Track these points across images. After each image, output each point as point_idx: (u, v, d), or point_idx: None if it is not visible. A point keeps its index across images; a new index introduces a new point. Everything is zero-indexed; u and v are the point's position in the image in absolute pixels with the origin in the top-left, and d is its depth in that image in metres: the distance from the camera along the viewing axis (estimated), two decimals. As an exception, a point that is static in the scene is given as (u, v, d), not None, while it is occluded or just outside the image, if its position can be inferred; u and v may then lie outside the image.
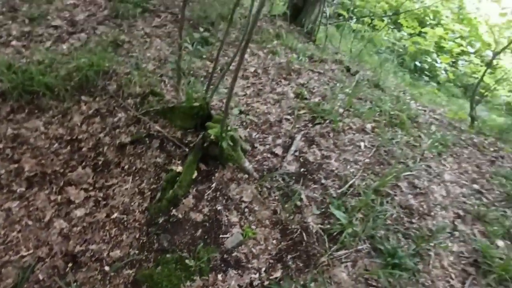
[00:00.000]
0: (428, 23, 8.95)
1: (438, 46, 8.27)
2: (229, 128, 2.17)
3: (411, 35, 8.21)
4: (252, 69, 3.41)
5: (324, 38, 6.07)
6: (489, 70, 6.44)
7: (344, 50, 7.32)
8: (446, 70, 7.58)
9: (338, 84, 3.61)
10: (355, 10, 9.24)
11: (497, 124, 5.96)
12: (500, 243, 2.22)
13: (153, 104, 2.65)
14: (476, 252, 2.08)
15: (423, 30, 8.21)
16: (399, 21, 8.37)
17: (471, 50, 8.01)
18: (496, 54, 5.41)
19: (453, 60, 8.18)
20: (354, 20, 8.64)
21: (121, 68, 2.98)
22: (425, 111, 5.35)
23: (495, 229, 2.28)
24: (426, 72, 7.53)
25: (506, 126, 5.79)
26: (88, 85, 2.84)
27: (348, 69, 4.39)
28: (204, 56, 3.45)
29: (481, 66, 7.51)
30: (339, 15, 8.89)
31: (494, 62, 6.79)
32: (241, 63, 2.27)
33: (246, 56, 3.60)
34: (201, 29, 3.91)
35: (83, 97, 2.77)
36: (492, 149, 4.27)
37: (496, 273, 1.93)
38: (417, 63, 7.61)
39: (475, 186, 2.86)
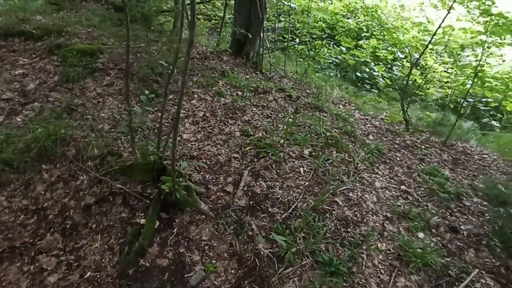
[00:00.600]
0: (363, 35, 9.87)
1: (374, 56, 9.15)
2: (180, 179, 2.50)
3: (349, 49, 9.04)
4: (201, 114, 3.78)
5: (269, 66, 6.63)
6: (419, 72, 7.27)
7: (291, 71, 7.96)
8: (383, 77, 8.41)
9: (280, 115, 4.07)
10: (297, 32, 10.01)
11: (431, 120, 6.75)
12: (421, 235, 2.69)
13: (112, 164, 2.92)
14: (400, 247, 2.52)
15: (359, 43, 9.07)
16: (336, 37, 9.17)
17: (401, 55, 8.95)
18: (416, 60, 6.20)
19: (389, 66, 9.07)
20: (297, 41, 9.38)
21: (77, 132, 3.23)
22: (367, 119, 5.99)
23: (415, 223, 2.75)
24: (367, 81, 8.30)
25: (437, 120, 6.59)
26: (47, 154, 3.06)
27: (290, 96, 4.89)
28: (155, 108, 3.77)
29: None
30: (284, 37, 9.61)
31: (423, 63, 7.69)
32: (179, 112, 2.62)
33: (195, 101, 3.97)
34: (151, 82, 4.25)
35: (43, 166, 2.99)
36: (423, 147, 4.91)
37: (415, 262, 2.37)
38: (358, 74, 8.37)
39: (403, 187, 3.37)
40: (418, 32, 9.65)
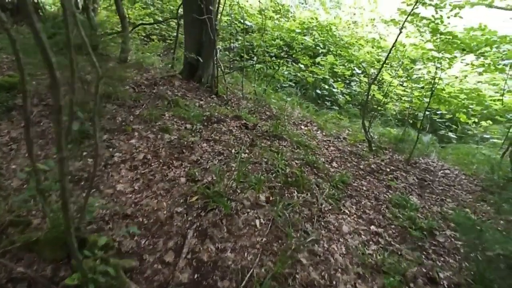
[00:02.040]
0: (320, 51, 9.74)
1: (332, 72, 9.01)
2: (97, 262, 1.89)
3: (307, 66, 8.82)
4: (141, 156, 3.18)
5: (226, 88, 6.15)
6: (376, 87, 7.14)
7: (249, 91, 7.55)
8: (342, 94, 8.25)
9: (233, 150, 3.56)
10: (255, 50, 9.68)
11: (392, 136, 6.59)
12: (398, 293, 2.27)
13: (14, 238, 2.23)
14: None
15: (316, 60, 8.89)
16: (294, 55, 8.92)
17: (358, 71, 8.90)
18: (374, 78, 6.01)
19: (348, 82, 8.97)
20: (255, 60, 9.03)
21: (-25, 195, 2.50)
22: (329, 141, 5.66)
23: (391, 280, 2.33)
24: (327, 98, 8.09)
25: (399, 137, 6.44)
26: None
27: (246, 125, 4.42)
28: (85, 153, 3.12)
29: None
30: (241, 57, 9.23)
31: (379, 77, 7.59)
32: (93, 178, 2.03)
33: (135, 141, 3.36)
34: (81, 117, 3.59)
35: None
36: (388, 169, 4.62)
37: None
38: (317, 91, 8.14)
39: (373, 228, 2.98)
40: (372, 47, 9.73)
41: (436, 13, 4.71)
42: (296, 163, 3.74)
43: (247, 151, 3.60)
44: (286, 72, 8.78)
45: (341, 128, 6.87)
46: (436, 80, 5.20)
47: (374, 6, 11.66)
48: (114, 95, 4.17)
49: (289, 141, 4.41)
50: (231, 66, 9.18)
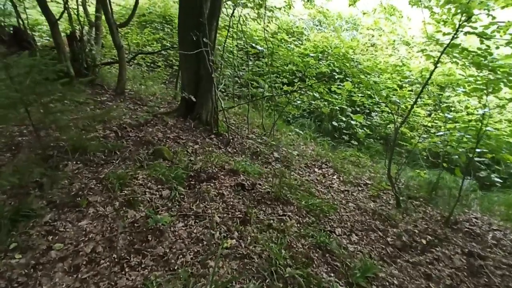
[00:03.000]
0: (336, 77, 8.81)
1: (350, 101, 8.03)
2: None
3: (322, 93, 7.89)
4: (89, 248, 2.32)
5: (227, 127, 5.31)
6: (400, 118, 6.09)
7: (257, 124, 6.69)
8: (362, 126, 7.23)
9: (217, 235, 2.64)
10: (265, 77, 8.87)
11: (423, 183, 5.48)
12: None
13: None
14: None
15: (332, 87, 7.96)
16: (308, 83, 8.03)
17: (378, 100, 7.88)
18: (405, 118, 5.00)
19: (367, 111, 7.95)
20: (264, 90, 8.20)
21: None
22: (347, 192, 4.65)
23: None
24: (345, 131, 7.09)
25: (431, 182, 5.32)
26: None
27: (242, 186, 3.50)
28: (14, 245, 2.29)
29: (391, 113, 7.31)
30: (249, 86, 8.43)
31: (403, 106, 6.54)
32: None
33: (86, 222, 2.52)
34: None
35: None
36: (424, 241, 3.56)
37: None
38: (334, 123, 7.17)
39: None
40: (391, 74, 8.71)
41: (482, 43, 3.71)
42: (303, 247, 2.77)
43: (236, 233, 2.67)
44: (299, 102, 7.88)
45: (361, 170, 5.83)
46: (484, 121, 4.12)
47: (394, 27, 10.66)
48: (81, 149, 3.39)
49: (296, 206, 3.44)
50: (239, 96, 8.41)
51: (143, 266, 2.25)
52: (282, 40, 10.09)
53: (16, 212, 2.42)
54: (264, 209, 3.21)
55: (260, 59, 9.34)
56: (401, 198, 4.47)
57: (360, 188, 4.96)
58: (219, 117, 5.47)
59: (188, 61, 5.01)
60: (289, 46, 9.82)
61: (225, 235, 2.59)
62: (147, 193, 2.91)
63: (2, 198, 2.67)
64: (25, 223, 2.44)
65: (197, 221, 2.72)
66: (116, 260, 2.27)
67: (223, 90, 7.23)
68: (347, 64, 6.34)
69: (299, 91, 6.76)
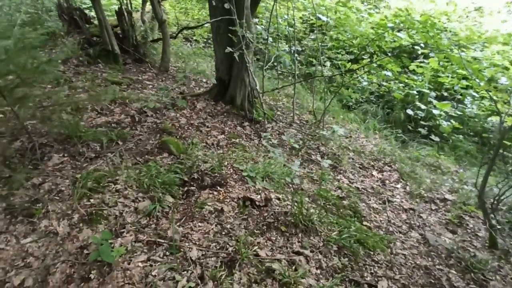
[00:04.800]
0: (420, 52, 6.89)
1: (435, 83, 6.15)
2: None
3: (399, 73, 6.21)
4: (18, 280, 1.75)
5: (263, 115, 4.35)
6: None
7: (310, 109, 5.53)
8: (449, 117, 5.42)
9: (187, 284, 1.79)
10: (330, 51, 7.45)
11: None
12: None
13: None
14: None
15: (411, 66, 6.20)
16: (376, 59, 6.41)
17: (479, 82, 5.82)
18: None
19: (459, 97, 5.99)
20: (327, 66, 6.86)
21: None
22: (413, 212, 3.33)
23: None
24: (423, 123, 5.42)
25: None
26: None
27: (251, 202, 2.55)
28: None
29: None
30: (310, 62, 7.18)
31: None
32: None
33: (28, 240, 1.95)
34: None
35: None
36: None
37: None
38: (409, 111, 5.54)
39: None
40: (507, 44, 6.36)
41: None
42: None
43: (211, 283, 1.79)
44: (365, 83, 6.35)
45: (440, 178, 4.28)
46: None
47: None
48: (76, 138, 2.88)
49: (324, 237, 2.37)
50: (295, 75, 7.23)
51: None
52: (354, 9, 8.34)
53: None
54: (272, 239, 2.25)
55: (324, 32, 7.88)
56: (499, 233, 2.96)
57: (434, 207, 3.54)
58: (257, 101, 4.53)
59: (220, 34, 4.12)
60: (362, 16, 8.06)
61: (192, 286, 1.74)
62: (119, 204, 2.22)
63: (-30, 194, 2.29)
64: None
65: (166, 255, 1.93)
66: (40, 304, 1.64)
67: (278, 69, 6.16)
68: (431, 35, 4.58)
69: (361, 70, 5.30)
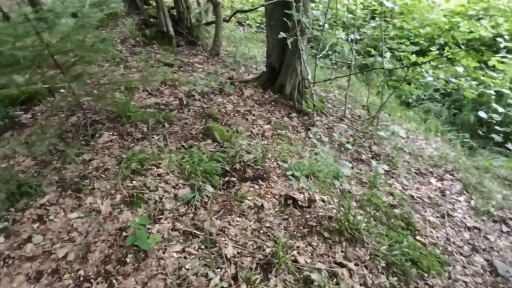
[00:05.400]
0: (502, 46, 6.00)
1: (518, 82, 5.30)
2: None
3: (475, 68, 5.49)
4: (62, 253, 1.81)
5: (313, 107, 4.10)
6: None
7: (363, 104, 5.12)
8: (532, 124, 4.65)
9: (220, 283, 1.70)
10: (392, 41, 6.82)
11: None
12: None
13: None
14: None
15: (490, 62, 5.42)
16: (447, 52, 5.73)
17: None
18: None
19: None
20: (387, 57, 6.28)
21: None
22: (479, 231, 2.91)
23: None
24: (498, 127, 4.73)
25: None
26: None
27: (293, 201, 2.37)
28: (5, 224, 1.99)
29: None
30: (367, 52, 6.66)
31: None
32: None
33: (73, 216, 2.01)
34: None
35: None
36: None
37: None
38: (481, 113, 4.87)
39: None
40: None
41: None
42: None
43: (244, 286, 1.68)
44: (430, 78, 5.68)
45: (514, 193, 3.69)
46: None
47: None
48: (125, 117, 2.94)
49: (371, 250, 2.13)
50: (351, 65, 6.74)
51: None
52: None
53: (18, 187, 2.11)
54: (313, 245, 2.07)
55: (387, 19, 7.20)
56: None
57: (505, 228, 3.06)
58: (307, 92, 4.27)
59: (274, 18, 3.90)
60: (433, 1, 7.20)
61: (225, 286, 1.64)
62: (159, 189, 2.20)
63: (30, 164, 2.45)
64: (27, 199, 2.11)
65: (201, 248, 1.86)
66: (78, 280, 1.68)
67: (332, 59, 5.79)
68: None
69: (428, 63, 4.72)
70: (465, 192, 3.58)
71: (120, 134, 2.79)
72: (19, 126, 2.88)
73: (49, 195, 2.13)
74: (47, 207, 2.06)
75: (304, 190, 2.47)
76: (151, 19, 5.84)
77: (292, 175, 2.11)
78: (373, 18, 7.82)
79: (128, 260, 1.74)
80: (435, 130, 4.75)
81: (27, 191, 2.11)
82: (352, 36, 5.05)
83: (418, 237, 2.60)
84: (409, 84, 5.76)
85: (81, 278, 1.69)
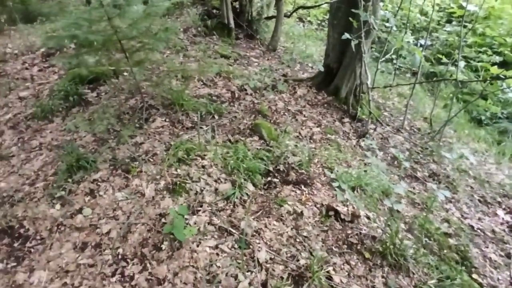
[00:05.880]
0: None
1: None
2: None
3: None
4: (106, 228, 1.91)
5: (368, 114, 3.85)
6: None
7: (425, 115, 4.68)
8: None
9: None
10: (470, 49, 6.15)
11: None
12: None
13: None
14: None
15: None
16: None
17: None
18: None
19: None
20: (462, 66, 5.68)
21: None
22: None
23: None
24: None
25: None
26: None
27: (335, 213, 2.23)
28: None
29: None
30: (438, 59, 6.08)
31: None
32: None
33: (120, 195, 2.12)
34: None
35: None
36: None
37: None
38: None
39: None
40: None
41: None
42: None
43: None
44: (509, 92, 4.99)
45: None
46: None
47: None
48: (178, 105, 3.03)
49: (416, 279, 1.92)
50: (416, 73, 6.20)
51: (132, 284, 1.64)
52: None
53: (76, 159, 2.28)
54: (351, 264, 1.92)
55: (466, 24, 6.46)
56: None
57: None
58: (364, 97, 4.01)
59: (338, 16, 3.70)
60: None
61: (254, 293, 1.60)
62: (201, 181, 2.22)
63: (90, 140, 2.64)
64: (84, 173, 2.28)
65: (234, 247, 1.83)
66: (116, 258, 1.76)
67: (396, 64, 5.39)
68: None
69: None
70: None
71: (171, 121, 2.88)
72: (85, 103, 3.12)
73: (101, 172, 2.27)
74: (99, 183, 2.20)
75: (348, 203, 2.31)
76: (214, 10, 5.96)
77: (338, 186, 1.97)
78: (449, 21, 7.08)
79: (163, 247, 1.78)
80: (510, 154, 4.16)
81: (84, 165, 2.27)
82: (422, 41, 4.61)
83: (474, 275, 2.30)
84: (485, 99, 5.12)
85: (119, 256, 1.77)
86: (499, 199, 3.43)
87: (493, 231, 2.92)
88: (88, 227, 1.92)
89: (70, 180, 2.23)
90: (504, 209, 3.31)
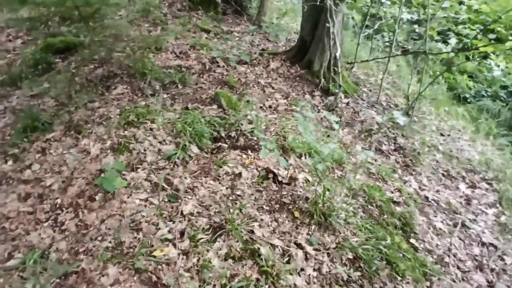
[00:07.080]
0: None
1: None
2: None
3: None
4: (49, 182, 2.05)
5: (338, 87, 3.83)
6: None
7: (405, 91, 4.61)
8: None
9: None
10: (463, 25, 5.96)
11: None
12: None
13: None
14: None
15: None
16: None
17: None
18: None
19: None
20: (453, 43, 5.57)
21: None
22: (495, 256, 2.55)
23: None
24: None
25: None
26: None
27: (274, 176, 2.29)
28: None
29: None
30: (431, 36, 5.90)
31: None
32: None
33: (68, 152, 2.24)
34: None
35: None
36: None
37: None
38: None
39: None
40: None
41: None
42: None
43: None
44: (498, 72, 4.86)
45: None
46: None
47: None
48: (142, 74, 3.10)
49: (341, 238, 1.99)
50: (406, 49, 6.05)
51: (62, 228, 1.78)
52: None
53: (32, 121, 2.40)
54: (279, 221, 2.01)
55: (462, 0, 6.22)
56: None
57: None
58: (338, 71, 3.98)
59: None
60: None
61: (170, 238, 1.70)
62: (146, 142, 2.32)
63: (52, 105, 2.76)
64: (39, 133, 2.41)
65: (165, 201, 1.94)
66: (54, 207, 1.90)
67: (379, 39, 5.28)
68: None
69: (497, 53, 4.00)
70: (498, 205, 3.09)
71: (133, 89, 2.96)
72: (54, 71, 3.23)
73: (55, 133, 2.40)
74: (51, 142, 2.33)
75: (290, 167, 2.38)
76: (201, -16, 5.88)
77: (265, 146, 2.03)
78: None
79: (97, 198, 1.91)
80: (484, 132, 4.10)
81: (39, 126, 2.39)
82: (407, 16, 4.49)
83: (412, 240, 2.36)
84: (471, 77, 5.00)
85: (57, 206, 1.90)
86: (464, 174, 3.42)
87: (448, 203, 2.94)
88: (33, 180, 2.06)
89: (25, 140, 2.36)
90: (466, 183, 3.32)
